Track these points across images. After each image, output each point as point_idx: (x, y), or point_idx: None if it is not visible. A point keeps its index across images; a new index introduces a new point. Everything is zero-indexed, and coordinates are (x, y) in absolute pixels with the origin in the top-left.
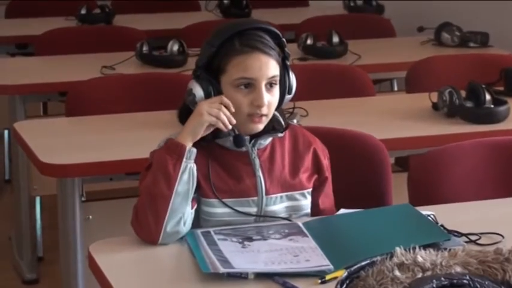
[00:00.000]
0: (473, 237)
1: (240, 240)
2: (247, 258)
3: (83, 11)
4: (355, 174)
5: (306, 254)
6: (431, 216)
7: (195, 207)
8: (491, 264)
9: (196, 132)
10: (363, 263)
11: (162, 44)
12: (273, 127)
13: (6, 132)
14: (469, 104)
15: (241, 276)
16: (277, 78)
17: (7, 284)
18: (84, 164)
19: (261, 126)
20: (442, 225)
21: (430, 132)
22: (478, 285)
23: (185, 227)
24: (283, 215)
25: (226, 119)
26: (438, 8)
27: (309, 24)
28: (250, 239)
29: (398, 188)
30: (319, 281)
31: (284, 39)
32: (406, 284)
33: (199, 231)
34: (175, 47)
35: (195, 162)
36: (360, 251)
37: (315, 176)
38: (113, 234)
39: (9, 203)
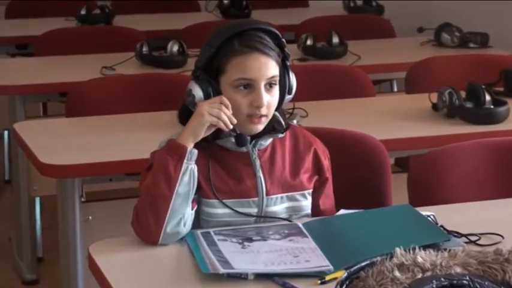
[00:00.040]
0: (473, 238)
1: (240, 241)
2: (247, 258)
3: (83, 12)
4: (355, 174)
5: (306, 255)
6: (431, 216)
7: (195, 208)
8: (491, 264)
9: (198, 133)
10: (363, 264)
11: (162, 44)
12: (273, 128)
13: (6, 132)
14: (468, 105)
15: (241, 277)
16: (277, 79)
17: (7, 284)
18: (84, 164)
19: (260, 127)
20: (441, 226)
21: (430, 132)
22: (478, 286)
23: (185, 227)
24: (283, 215)
25: (227, 119)
26: (438, 8)
27: (308, 25)
28: (250, 240)
29: (398, 188)
30: (319, 281)
31: (284, 40)
32: (406, 284)
33: (199, 232)
34: (175, 48)
35: (196, 163)
36: (359, 252)
37: (316, 177)
38: (112, 234)
39: (9, 203)
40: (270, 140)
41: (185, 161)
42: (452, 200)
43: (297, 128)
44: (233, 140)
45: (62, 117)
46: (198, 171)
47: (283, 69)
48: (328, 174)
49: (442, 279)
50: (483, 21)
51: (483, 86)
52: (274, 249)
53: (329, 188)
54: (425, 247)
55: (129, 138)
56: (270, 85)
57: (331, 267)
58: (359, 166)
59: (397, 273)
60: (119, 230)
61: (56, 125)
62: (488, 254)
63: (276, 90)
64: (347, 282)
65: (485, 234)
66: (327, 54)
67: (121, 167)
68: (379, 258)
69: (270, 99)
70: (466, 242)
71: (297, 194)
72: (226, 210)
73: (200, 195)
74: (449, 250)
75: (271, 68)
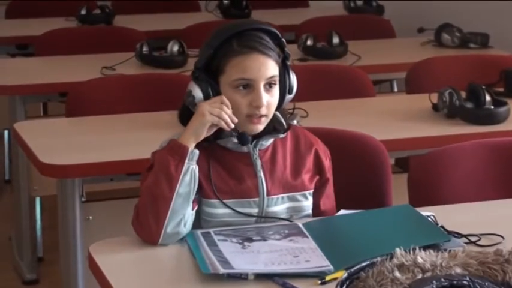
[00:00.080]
0: (473, 238)
1: (240, 241)
2: (247, 258)
3: (83, 12)
4: (355, 175)
5: (306, 255)
6: (432, 217)
7: (196, 208)
8: (491, 265)
9: (199, 133)
10: (363, 264)
11: (162, 44)
12: (274, 128)
13: (6, 132)
14: (469, 105)
15: (241, 277)
16: (277, 79)
17: (7, 284)
18: (84, 164)
19: (260, 127)
20: (442, 226)
21: (430, 133)
22: (478, 286)
23: (186, 228)
24: (284, 216)
25: (228, 118)
26: (438, 8)
27: (309, 25)
28: (250, 240)
29: (398, 188)
30: (319, 281)
31: (284, 39)
32: (406, 285)
33: (199, 232)
34: (176, 48)
35: (197, 163)
36: (360, 252)
37: (317, 177)
38: (113, 234)
39: (9, 203)
40: (271, 140)
41: (186, 161)
42: (453, 200)
43: (298, 128)
44: (234, 140)
45: (62, 117)
46: (199, 171)
47: (284, 69)
48: (329, 174)
49: (442, 279)
50: (483, 22)
51: (483, 87)
52: (275, 249)
53: (330, 189)
54: (425, 247)
55: (129, 138)
56: (269, 85)
57: (331, 268)
58: (359, 166)
59: (397, 274)
60: (119, 230)
61: (56, 125)
62: (488, 254)
63: (275, 90)
64: (347, 283)
65: (486, 234)
66: (327, 55)
67: (121, 167)
68: (379, 259)
69: (269, 99)
70: (466, 243)
71: (297, 195)
72: (227, 210)
73: (201, 195)
74: (450, 250)
75: (270, 68)
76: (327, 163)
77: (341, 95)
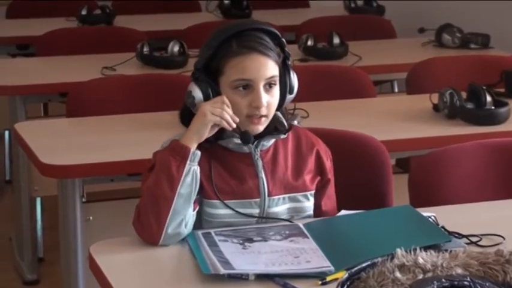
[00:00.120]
0: (474, 239)
1: (241, 242)
2: (247, 259)
3: (84, 12)
4: (355, 175)
5: (307, 255)
6: (432, 217)
7: (197, 209)
8: (492, 265)
9: (201, 133)
10: (364, 265)
11: (162, 45)
12: (275, 128)
13: (6, 132)
14: (469, 106)
15: (241, 278)
16: (277, 79)
17: (8, 285)
18: (85, 164)
19: (260, 128)
20: (442, 227)
21: (431, 133)
22: (479, 287)
23: (186, 228)
24: (285, 216)
25: (229, 118)
26: (439, 9)
27: (309, 25)
28: (250, 240)
29: (399, 189)
30: (320, 282)
31: (284, 39)
32: (407, 285)
33: (200, 232)
34: (176, 48)
35: (198, 163)
36: (360, 252)
37: (318, 178)
38: (113, 235)
39: (10, 203)
40: (272, 141)
41: (188, 162)
42: (453, 200)
43: (299, 128)
44: (235, 140)
45: (62, 118)
46: (200, 171)
47: (284, 69)
48: (331, 175)
49: (443, 280)
50: (484, 22)
51: (484, 87)
52: (275, 250)
53: (331, 189)
54: (426, 248)
55: (130, 138)
56: (269, 85)
57: (332, 268)
58: (360, 167)
59: (398, 274)
60: (120, 231)
61: (56, 125)
62: (489, 255)
63: (275, 90)
64: (348, 283)
65: (486, 235)
66: (328, 55)
67: (121, 168)
68: (380, 259)
69: (269, 99)
70: (467, 243)
71: (299, 195)
72: (228, 211)
73: (202, 196)
74: (450, 251)
75: (270, 68)
76: (329, 164)
77: (342, 96)
